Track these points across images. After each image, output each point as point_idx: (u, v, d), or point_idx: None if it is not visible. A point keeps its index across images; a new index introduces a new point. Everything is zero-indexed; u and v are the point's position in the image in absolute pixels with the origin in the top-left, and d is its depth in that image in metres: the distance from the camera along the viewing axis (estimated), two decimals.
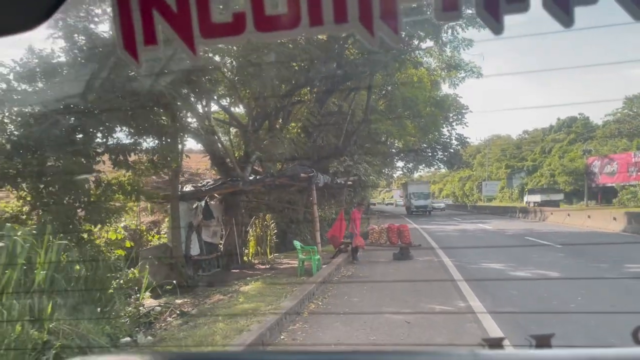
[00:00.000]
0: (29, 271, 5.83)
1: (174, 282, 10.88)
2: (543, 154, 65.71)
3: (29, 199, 9.58)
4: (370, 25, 0.96)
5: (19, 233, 5.69)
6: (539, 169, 63.42)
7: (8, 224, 6.14)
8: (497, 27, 0.95)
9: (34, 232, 6.26)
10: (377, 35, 0.97)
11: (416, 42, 13.82)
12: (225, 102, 14.08)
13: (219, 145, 12.78)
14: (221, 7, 1.04)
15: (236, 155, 13.80)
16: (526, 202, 52.60)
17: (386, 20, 0.96)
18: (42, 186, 9.32)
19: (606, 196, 48.92)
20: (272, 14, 0.98)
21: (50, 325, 5.18)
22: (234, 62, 11.90)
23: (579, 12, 0.94)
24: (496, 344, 1.05)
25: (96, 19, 9.62)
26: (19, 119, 9.09)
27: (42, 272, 5.67)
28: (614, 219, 22.32)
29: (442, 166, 42.28)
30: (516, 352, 0.86)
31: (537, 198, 49.78)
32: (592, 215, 25.29)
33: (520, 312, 7.32)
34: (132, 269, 10.39)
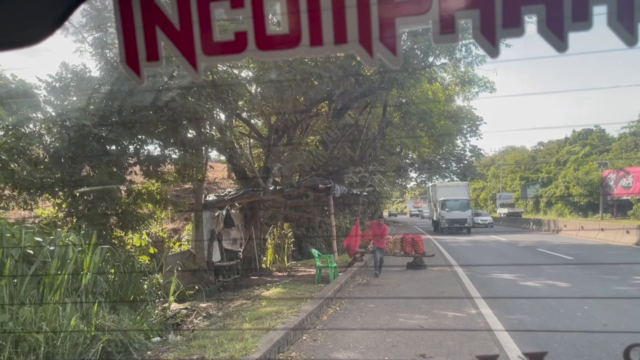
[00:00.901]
0: (75, 272, 6.41)
1: (197, 287, 11.44)
2: (558, 166, 65.43)
3: (64, 206, 10.21)
4: (369, 46, 0.99)
5: (70, 238, 6.26)
6: (553, 180, 63.16)
7: (59, 230, 6.71)
8: (493, 51, 0.99)
9: (81, 239, 6.82)
10: (376, 56, 0.99)
11: (430, 60, 14.32)
12: (246, 115, 14.67)
13: (241, 157, 13.35)
14: (224, 25, 1.08)
15: (256, 166, 14.36)
16: (498, 213, 60.90)
17: (385, 41, 0.98)
18: (77, 194, 9.94)
19: (622, 209, 48.65)
20: (273, 34, 1.01)
21: (97, 322, 5.74)
22: (257, 79, 12.49)
23: (583, 35, 1.00)
24: None
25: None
26: (56, 130, 9.74)
27: (88, 273, 6.24)
28: (627, 232, 22.47)
29: (455, 178, 41.86)
30: None
31: (505, 210, 58.73)
32: (605, 228, 25.43)
33: (529, 330, 7.73)
34: (157, 274, 10.96)
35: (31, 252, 5.81)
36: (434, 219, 37.40)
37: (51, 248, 6.02)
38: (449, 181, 39.53)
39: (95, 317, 5.80)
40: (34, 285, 5.43)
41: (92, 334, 5.56)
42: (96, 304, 5.93)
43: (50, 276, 5.50)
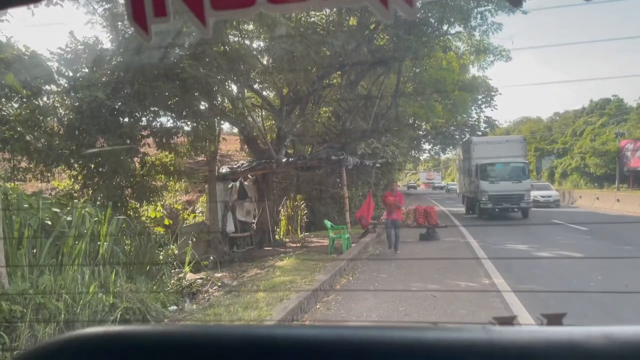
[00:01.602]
0: (92, 242, 6.52)
1: (212, 257, 11.61)
2: (574, 137, 64.50)
3: (80, 177, 10.34)
4: None
5: (86, 209, 6.36)
6: (569, 151, 62.39)
7: (75, 200, 6.81)
8: (516, 1, 1.04)
9: (97, 209, 6.93)
10: (392, 8, 0.93)
11: (445, 28, 14.03)
12: (258, 86, 14.60)
13: (254, 128, 13.35)
14: None
15: (269, 138, 14.36)
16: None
17: None
18: (92, 166, 10.05)
19: (638, 180, 48.08)
20: None
21: (115, 290, 5.86)
22: (268, 48, 12.38)
23: None
24: (507, 322, 0.99)
25: None
26: (69, 102, 9.79)
27: (105, 243, 6.34)
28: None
29: None
30: (527, 329, 0.82)
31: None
32: (622, 199, 25.17)
33: (540, 291, 7.74)
34: (172, 245, 11.13)
35: (49, 222, 5.91)
36: (468, 194, 23.82)
37: (68, 218, 6.12)
38: (494, 136, 27.96)
39: (113, 285, 5.93)
40: (53, 255, 5.54)
41: (111, 301, 5.69)
42: (114, 273, 6.05)
43: (68, 246, 5.60)
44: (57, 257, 5.59)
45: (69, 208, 6.41)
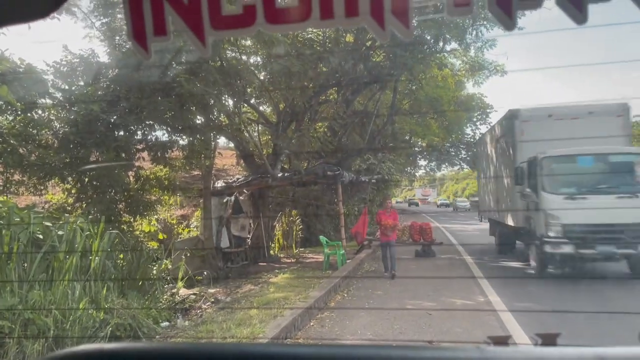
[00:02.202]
0: (84, 257, 6.44)
1: (205, 272, 11.50)
2: None
3: (74, 191, 10.26)
4: (381, 19, 0.96)
5: (78, 222, 6.28)
6: None
7: (66, 214, 6.74)
8: (509, 24, 0.95)
9: (89, 222, 6.85)
10: (388, 29, 0.96)
11: (441, 45, 14.14)
12: (254, 101, 14.62)
13: (250, 143, 13.33)
14: None
15: (265, 152, 14.34)
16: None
17: (397, 14, 0.95)
18: (86, 179, 9.97)
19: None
20: (283, 7, 0.98)
21: (106, 306, 5.77)
22: (265, 63, 12.41)
23: (599, 8, 0.89)
24: (502, 341, 1.01)
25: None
26: (64, 115, 9.74)
27: (97, 258, 6.25)
28: None
29: (465, 165, 41.19)
30: (521, 349, 0.82)
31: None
32: None
33: (535, 311, 7.67)
34: (165, 259, 11.02)
35: (40, 236, 5.84)
36: (500, 218, 13.75)
37: (60, 232, 6.04)
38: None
39: (104, 300, 5.83)
40: (43, 269, 5.46)
41: (101, 317, 5.59)
42: (105, 288, 5.96)
43: (59, 260, 5.52)
44: (47, 271, 5.50)
45: (61, 222, 6.33)
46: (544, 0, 0.95)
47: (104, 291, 5.94)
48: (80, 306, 5.18)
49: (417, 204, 69.77)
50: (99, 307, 5.59)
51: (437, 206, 67.34)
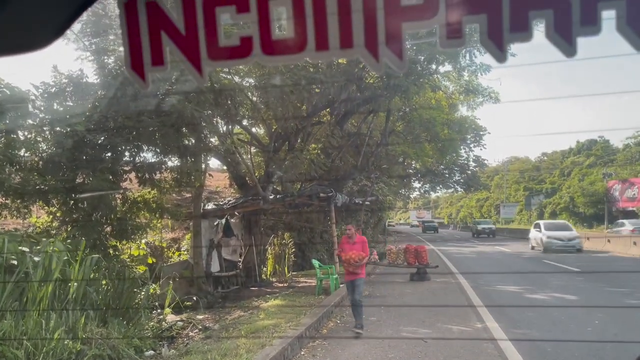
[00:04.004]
0: (63, 283, 6.13)
1: (195, 298, 11.15)
2: (562, 177, 65.12)
3: (58, 214, 9.96)
4: (375, 50, 0.98)
5: (53, 248, 5.98)
6: (557, 191, 62.81)
7: (44, 239, 6.45)
8: (500, 56, 0.97)
9: (68, 247, 6.56)
10: (382, 60, 0.98)
11: (434, 67, 14.08)
12: (247, 122, 14.44)
13: (241, 165, 13.11)
14: (229, 30, 1.07)
15: (257, 174, 14.11)
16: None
17: (391, 46, 0.97)
18: (71, 202, 9.68)
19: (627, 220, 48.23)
20: (279, 38, 1.00)
21: (84, 336, 5.44)
22: (257, 85, 12.27)
23: (589, 41, 0.93)
24: None
25: (119, 40, 9.95)
26: (51, 137, 9.49)
27: (75, 284, 5.95)
28: (634, 243, 22.07)
29: (459, 188, 40.99)
30: None
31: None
32: (612, 240, 25.05)
33: (537, 340, 7.40)
34: (153, 284, 10.68)
35: (15, 262, 5.54)
36: None
37: (36, 259, 5.74)
38: None
39: (82, 330, 5.51)
40: (16, 297, 5.15)
41: (78, 348, 5.27)
42: (83, 317, 5.64)
43: (34, 287, 5.22)
44: (20, 299, 5.19)
45: (38, 247, 6.03)
46: (534, 34, 0.97)
47: (82, 320, 5.62)
48: (55, 336, 4.86)
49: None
50: (76, 337, 5.27)
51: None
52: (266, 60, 1.03)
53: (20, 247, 5.77)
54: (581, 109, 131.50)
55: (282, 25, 1.01)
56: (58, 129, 9.05)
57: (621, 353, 6.42)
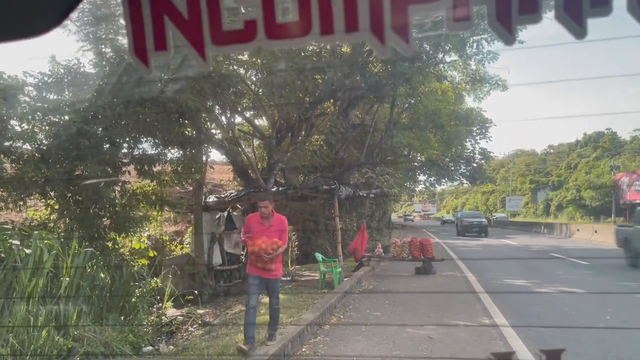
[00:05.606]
0: (56, 278, 5.92)
1: (196, 292, 10.96)
2: (569, 169, 64.59)
3: (56, 207, 9.75)
4: (381, 34, 0.96)
5: (45, 241, 5.77)
6: (564, 184, 62.32)
7: (36, 232, 6.24)
8: (509, 39, 0.95)
9: (61, 239, 6.35)
10: (388, 44, 0.97)
11: (440, 56, 13.77)
12: (249, 114, 14.19)
13: (243, 157, 12.87)
14: (233, 13, 1.04)
15: (259, 166, 13.88)
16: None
17: (397, 29, 0.95)
18: (69, 195, 9.47)
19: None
20: (283, 22, 0.98)
21: (76, 332, 5.23)
22: (259, 75, 12.01)
23: (599, 23, 0.92)
24: (506, 358, 1.03)
25: (119, 29, 9.70)
26: (47, 128, 9.28)
27: (67, 278, 5.74)
28: None
29: (464, 180, 40.63)
30: None
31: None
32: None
33: (544, 326, 7.15)
34: (155, 278, 10.50)
35: (3, 255, 5.32)
36: None
37: (27, 251, 5.53)
38: None
39: (73, 326, 5.30)
40: (2, 293, 4.94)
41: (69, 345, 5.06)
42: (75, 313, 5.43)
43: (22, 281, 5.00)
44: (7, 295, 4.98)
45: (29, 240, 5.82)
46: (544, 15, 0.95)
47: (74, 315, 5.40)
48: (43, 333, 4.65)
49: (412, 220, 70.88)
50: (67, 334, 5.06)
51: (441, 223, 62.54)
52: (270, 45, 1.02)
53: (10, 241, 5.55)
54: (588, 101, 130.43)
55: (287, 9, 0.99)
56: (54, 119, 8.83)
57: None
